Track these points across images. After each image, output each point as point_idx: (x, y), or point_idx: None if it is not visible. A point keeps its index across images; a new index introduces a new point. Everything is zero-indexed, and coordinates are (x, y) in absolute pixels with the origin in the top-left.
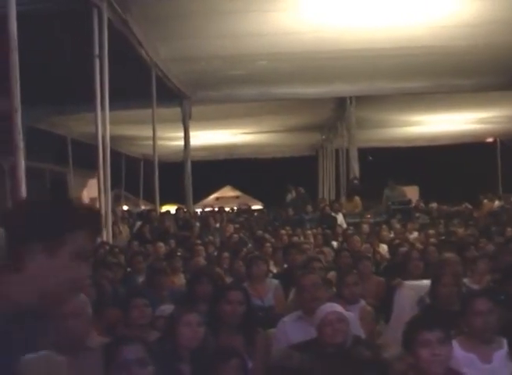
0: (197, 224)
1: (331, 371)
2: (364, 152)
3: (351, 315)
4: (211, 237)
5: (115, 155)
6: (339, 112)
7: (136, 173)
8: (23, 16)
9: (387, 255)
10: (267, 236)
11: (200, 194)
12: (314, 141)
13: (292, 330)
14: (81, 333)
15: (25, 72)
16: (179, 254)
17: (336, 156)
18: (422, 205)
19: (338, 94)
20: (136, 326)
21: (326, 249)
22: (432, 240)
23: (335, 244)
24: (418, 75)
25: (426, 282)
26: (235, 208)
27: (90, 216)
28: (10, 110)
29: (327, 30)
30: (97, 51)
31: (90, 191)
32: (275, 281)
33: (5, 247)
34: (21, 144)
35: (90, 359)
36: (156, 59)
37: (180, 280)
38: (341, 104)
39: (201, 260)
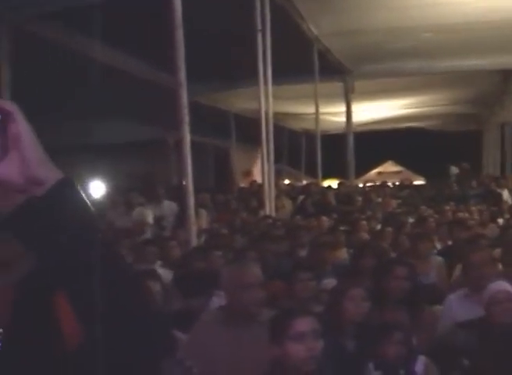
0: (359, 199)
1: (498, 352)
2: None
3: None
4: (370, 213)
5: (278, 130)
6: (505, 85)
7: (298, 148)
8: None
9: None
10: (430, 211)
11: (361, 169)
12: (478, 114)
13: (458, 307)
14: (256, 305)
15: (188, 48)
16: (341, 228)
17: (501, 131)
18: None
19: (504, 66)
20: (299, 299)
21: (491, 226)
22: None
23: (500, 221)
24: None
25: None
26: (397, 183)
27: None
28: (176, 85)
29: None
30: (259, 26)
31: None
32: (440, 258)
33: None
34: (186, 119)
35: (260, 332)
36: (318, 33)
37: (343, 254)
38: (507, 76)
39: (365, 235)
